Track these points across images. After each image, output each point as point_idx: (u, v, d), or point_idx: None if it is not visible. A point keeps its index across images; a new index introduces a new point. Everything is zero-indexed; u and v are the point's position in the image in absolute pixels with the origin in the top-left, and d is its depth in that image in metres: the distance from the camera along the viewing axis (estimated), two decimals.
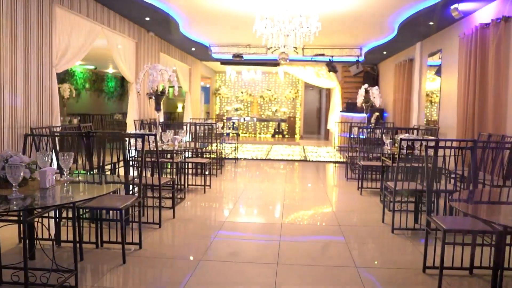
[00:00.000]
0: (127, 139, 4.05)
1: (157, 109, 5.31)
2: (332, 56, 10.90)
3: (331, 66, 10.93)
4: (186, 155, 6.94)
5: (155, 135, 4.16)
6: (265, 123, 17.63)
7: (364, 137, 7.88)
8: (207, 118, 16.56)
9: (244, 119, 17.23)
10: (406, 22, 7.74)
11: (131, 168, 4.78)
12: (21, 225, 3.47)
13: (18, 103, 4.82)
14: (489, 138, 5.24)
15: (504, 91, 5.40)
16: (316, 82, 13.73)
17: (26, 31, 4.88)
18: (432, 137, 5.84)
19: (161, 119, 10.30)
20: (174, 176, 5.19)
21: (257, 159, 10.20)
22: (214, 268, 3.37)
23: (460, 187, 3.90)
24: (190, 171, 7.06)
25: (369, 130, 7.56)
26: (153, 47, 9.22)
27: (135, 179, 4.29)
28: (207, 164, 6.49)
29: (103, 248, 3.72)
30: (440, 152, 3.47)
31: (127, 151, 3.95)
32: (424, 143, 4.60)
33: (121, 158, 3.95)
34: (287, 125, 17.34)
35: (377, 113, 11.19)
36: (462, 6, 6.15)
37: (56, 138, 4.41)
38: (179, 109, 19.42)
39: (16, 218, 3.14)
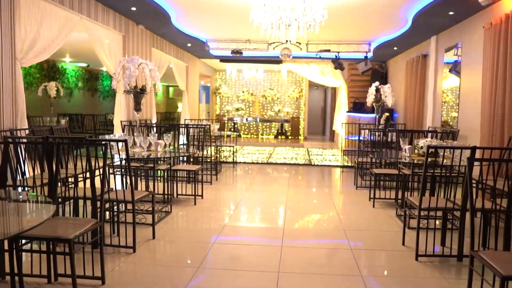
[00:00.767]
0: (111, 143, 3.29)
1: (136, 108, 4.56)
2: (338, 52, 10.12)
3: (338, 63, 10.15)
4: (179, 160, 6.19)
5: (125, 140, 3.40)
6: (268, 123, 16.85)
7: (373, 139, 7.11)
8: (207, 119, 15.82)
9: (246, 119, 16.44)
10: (421, 13, 6.94)
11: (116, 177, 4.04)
12: None
13: None
14: None
15: None
16: (321, 80, 12.95)
17: None
18: (465, 145, 5.05)
19: (154, 120, 9.61)
20: (161, 186, 4.45)
21: (257, 162, 9.44)
22: None
23: (500, 205, 3.13)
24: (183, 178, 6.32)
25: (380, 132, 6.78)
26: (143, 42, 8.48)
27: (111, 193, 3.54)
28: (198, 171, 5.73)
29: (56, 284, 2.97)
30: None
31: (95, 159, 3.22)
32: (453, 153, 3.83)
33: (103, 165, 3.20)
34: (290, 125, 16.55)
35: (387, 114, 10.39)
36: None
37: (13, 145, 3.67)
38: (180, 109, 18.68)
39: None
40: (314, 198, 6.23)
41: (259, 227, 4.70)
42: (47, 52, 5.43)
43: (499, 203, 3.15)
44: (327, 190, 6.71)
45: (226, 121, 16.41)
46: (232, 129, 16.35)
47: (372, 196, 5.66)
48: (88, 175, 3.45)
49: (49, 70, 11.85)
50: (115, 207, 4.01)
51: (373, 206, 5.44)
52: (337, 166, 9.30)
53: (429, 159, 4.25)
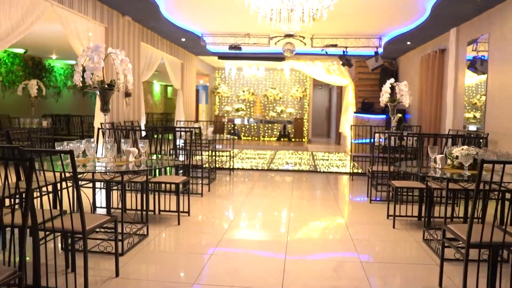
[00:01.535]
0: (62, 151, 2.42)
1: (103, 109, 3.69)
2: (346, 48, 9.22)
3: (345, 59, 9.25)
4: (166, 170, 5.31)
5: (70, 152, 2.53)
6: (269, 125, 15.95)
7: (386, 143, 6.23)
8: (207, 121, 14.97)
9: (248, 120, 15.52)
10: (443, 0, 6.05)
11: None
12: None
13: None
14: None
15: None
16: (326, 79, 12.05)
17: None
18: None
19: (142, 123, 8.75)
20: (122, 209, 3.58)
21: (257, 169, 8.55)
22: None
23: None
24: (168, 191, 5.45)
25: (397, 136, 5.90)
26: (130, 35, 7.62)
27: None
28: (183, 184, 4.85)
29: None
30: None
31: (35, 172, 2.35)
32: None
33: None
34: (293, 127, 15.65)
35: (399, 115, 9.47)
36: None
37: None
38: None
39: None
40: (321, 215, 5.34)
41: (254, 255, 3.81)
42: (4, 42, 4.58)
43: None
44: (336, 204, 5.81)
45: (226, 123, 15.53)
46: (232, 131, 15.47)
47: (391, 212, 4.77)
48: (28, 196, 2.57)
49: (34, 67, 11.01)
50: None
51: (393, 227, 4.54)
52: (346, 173, 8.40)
53: (469, 173, 3.36)
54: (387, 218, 4.86)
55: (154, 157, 4.62)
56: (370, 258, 3.63)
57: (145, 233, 4.04)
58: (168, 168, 6.65)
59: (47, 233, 3.02)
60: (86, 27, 6.17)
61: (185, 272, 3.30)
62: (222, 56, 12.17)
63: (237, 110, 15.62)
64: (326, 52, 9.36)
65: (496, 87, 6.00)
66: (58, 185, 3.14)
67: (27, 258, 3.11)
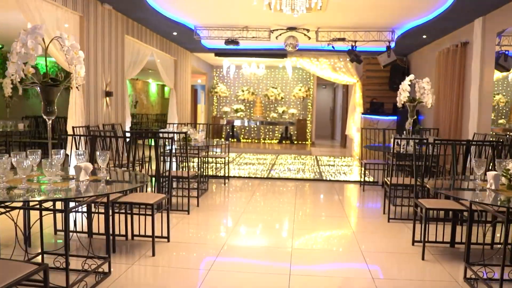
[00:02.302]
0: None
1: (47, 111, 2.80)
2: (355, 42, 8.31)
3: (354, 54, 8.34)
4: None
5: None
6: (270, 126, 15.02)
7: (403, 150, 5.33)
8: (207, 123, 14.12)
9: (248, 121, 14.57)
10: None
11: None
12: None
13: None
14: None
15: None
16: (332, 77, 11.14)
17: None
18: None
19: (127, 125, 7.85)
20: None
21: (255, 177, 7.64)
22: None
23: None
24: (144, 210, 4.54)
25: (420, 141, 4.99)
26: (112, 27, 6.74)
27: None
28: (159, 206, 3.96)
29: None
30: None
31: None
32: None
33: None
34: (296, 129, 14.72)
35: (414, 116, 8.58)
36: None
37: None
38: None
39: None
40: (331, 240, 4.44)
41: None
42: None
43: None
44: (347, 223, 4.91)
45: (224, 125, 14.61)
46: (230, 133, 14.56)
47: (417, 236, 3.86)
48: None
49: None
50: None
51: (423, 258, 3.62)
52: (355, 181, 7.49)
53: None
54: (413, 244, 3.95)
55: (121, 172, 3.73)
56: None
57: (107, 270, 3.14)
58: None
59: None
60: (55, 16, 5.28)
61: None
62: (219, 53, 11.29)
63: (236, 111, 14.71)
64: (333, 47, 8.45)
65: None
66: None
67: None
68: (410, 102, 5.65)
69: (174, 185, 5.57)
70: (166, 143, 5.05)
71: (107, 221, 3.29)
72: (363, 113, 10.67)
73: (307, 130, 14.75)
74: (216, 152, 7.60)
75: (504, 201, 2.59)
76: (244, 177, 7.58)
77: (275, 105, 14.92)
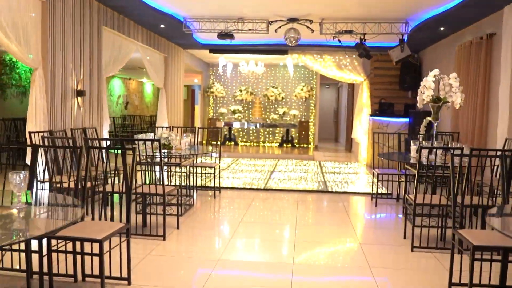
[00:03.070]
0: None
1: None
2: (364, 35, 7.38)
3: (363, 49, 7.40)
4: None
5: None
6: (270, 129, 14.08)
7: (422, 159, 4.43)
8: (206, 127, 13.25)
9: (247, 123, 13.60)
10: None
11: None
12: None
13: None
14: None
15: None
16: (337, 75, 10.22)
17: None
18: None
19: (105, 130, 6.93)
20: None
21: (251, 188, 6.72)
22: None
23: None
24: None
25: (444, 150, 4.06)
26: (86, 16, 5.83)
27: None
28: (109, 239, 3.03)
29: None
30: None
31: None
32: None
33: None
34: (298, 131, 13.78)
35: (428, 118, 7.63)
36: None
37: None
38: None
39: None
40: (342, 280, 3.52)
41: None
42: None
43: None
44: (361, 255, 3.98)
45: (219, 128, 13.66)
46: (227, 136, 13.63)
47: (457, 278, 2.94)
48: None
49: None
50: None
51: None
52: (365, 193, 6.56)
53: None
54: None
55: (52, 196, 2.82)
56: None
57: None
58: (116, 198, 4.82)
59: None
60: (7, 2, 4.38)
61: None
62: (214, 49, 10.38)
63: (234, 112, 13.78)
64: (339, 41, 7.52)
65: None
66: None
67: None
68: (433, 103, 4.73)
69: (150, 201, 4.65)
70: (141, 151, 4.14)
71: (41, 261, 2.38)
72: (371, 115, 9.75)
73: (310, 133, 13.82)
74: (206, 160, 6.67)
75: None
76: (238, 189, 6.65)
77: (275, 106, 13.97)
